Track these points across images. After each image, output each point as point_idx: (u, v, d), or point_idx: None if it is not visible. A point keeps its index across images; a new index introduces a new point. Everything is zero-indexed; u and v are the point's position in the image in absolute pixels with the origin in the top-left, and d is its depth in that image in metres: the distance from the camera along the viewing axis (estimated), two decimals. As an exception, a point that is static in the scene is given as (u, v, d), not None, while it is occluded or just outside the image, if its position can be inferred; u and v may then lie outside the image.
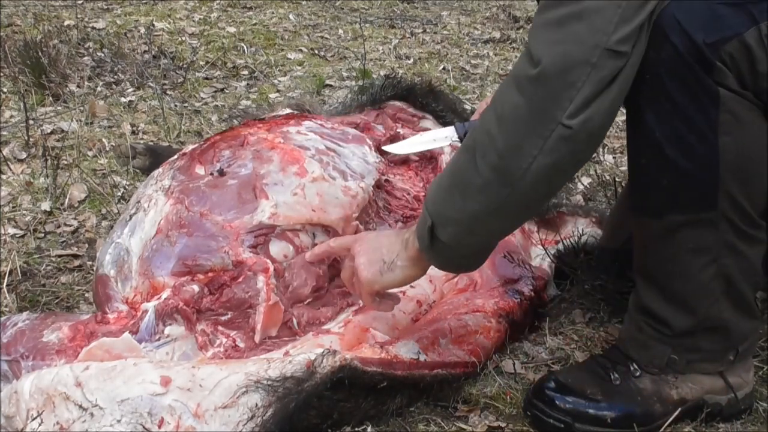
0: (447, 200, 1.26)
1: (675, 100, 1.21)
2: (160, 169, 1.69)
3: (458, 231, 1.27)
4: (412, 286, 1.62)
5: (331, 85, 3.15)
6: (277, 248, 1.52)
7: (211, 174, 1.61)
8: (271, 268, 1.47)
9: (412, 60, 3.54)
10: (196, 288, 1.43)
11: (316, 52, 3.61)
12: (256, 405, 1.21)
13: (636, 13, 1.16)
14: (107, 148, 2.46)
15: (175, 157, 1.72)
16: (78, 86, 2.95)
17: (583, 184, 2.30)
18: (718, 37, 1.16)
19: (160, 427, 1.18)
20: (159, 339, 1.39)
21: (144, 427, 1.18)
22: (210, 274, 1.47)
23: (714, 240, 1.26)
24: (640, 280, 1.37)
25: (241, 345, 1.42)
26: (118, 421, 1.18)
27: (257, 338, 1.43)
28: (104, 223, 2.07)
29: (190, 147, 1.76)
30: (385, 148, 1.85)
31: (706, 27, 1.17)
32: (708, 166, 1.22)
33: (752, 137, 1.22)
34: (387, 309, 1.46)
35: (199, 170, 1.64)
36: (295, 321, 1.49)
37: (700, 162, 1.22)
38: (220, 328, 1.43)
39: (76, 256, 1.92)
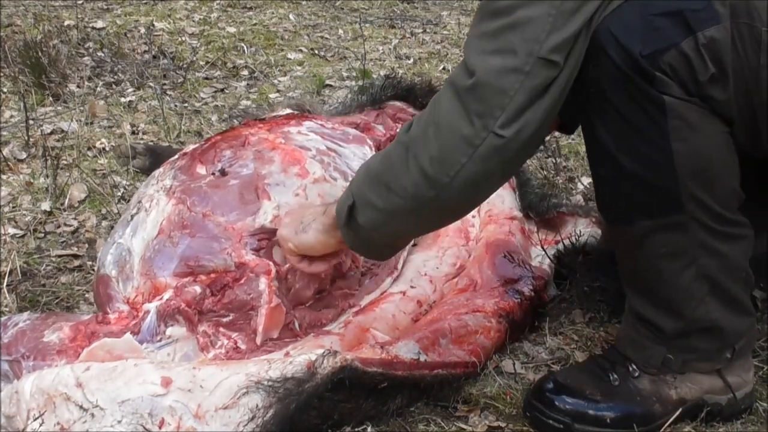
0: (372, 187, 1.29)
1: (622, 113, 1.22)
2: (161, 169, 1.68)
3: (376, 218, 1.30)
4: (412, 286, 1.63)
5: (331, 85, 3.15)
6: (281, 252, 1.52)
7: (213, 174, 1.61)
8: (274, 270, 1.47)
9: (412, 60, 3.54)
10: (198, 289, 1.43)
11: (316, 52, 3.61)
12: (257, 406, 1.21)
13: (567, 23, 1.17)
14: (107, 148, 2.47)
15: (176, 156, 1.72)
16: (78, 86, 2.95)
17: (583, 184, 2.30)
18: (654, 49, 1.17)
19: (160, 427, 1.18)
20: (160, 340, 1.39)
21: (145, 427, 1.18)
22: (212, 275, 1.47)
23: (687, 242, 1.26)
24: (626, 287, 1.39)
25: (243, 347, 1.42)
26: (119, 421, 1.18)
27: (259, 340, 1.43)
28: (104, 223, 2.07)
29: (191, 147, 1.76)
30: None
31: (643, 39, 1.18)
32: (666, 173, 1.22)
33: (706, 140, 1.22)
34: (317, 269, 1.48)
35: (201, 170, 1.64)
36: (296, 323, 1.49)
37: (657, 170, 1.23)
38: (221, 329, 1.43)
39: (76, 256, 1.92)
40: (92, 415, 1.19)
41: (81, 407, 1.19)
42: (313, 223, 1.41)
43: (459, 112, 1.19)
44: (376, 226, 1.31)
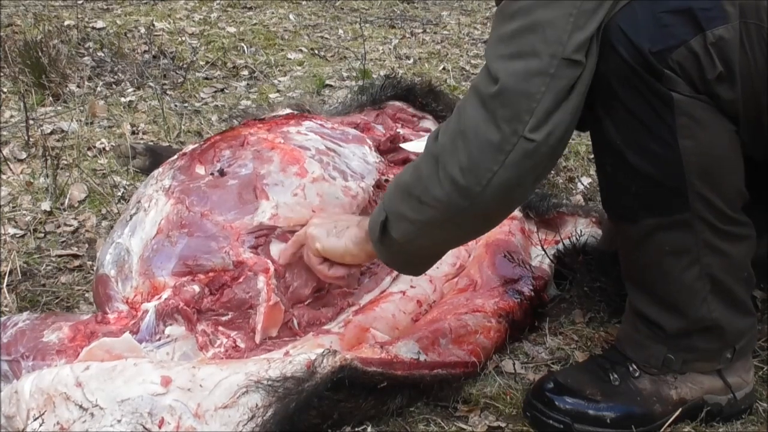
0: (405, 200, 1.28)
1: (630, 109, 1.22)
2: (160, 169, 1.69)
3: (410, 230, 1.28)
4: (412, 286, 1.63)
5: (331, 85, 3.15)
6: (278, 249, 1.52)
7: (212, 174, 1.62)
8: (272, 269, 1.47)
9: (412, 60, 3.53)
10: (196, 288, 1.43)
11: (316, 52, 3.61)
12: (257, 405, 1.21)
13: (588, 22, 1.17)
14: (107, 148, 2.46)
15: (175, 157, 1.72)
16: (78, 86, 2.95)
17: (583, 184, 2.30)
18: (663, 46, 1.17)
19: (160, 427, 1.18)
20: (159, 339, 1.39)
21: (144, 427, 1.18)
22: (211, 274, 1.47)
23: (692, 241, 1.26)
24: (628, 285, 1.38)
25: (242, 345, 1.42)
26: (119, 421, 1.18)
27: (258, 338, 1.43)
28: (104, 223, 2.07)
29: (190, 147, 1.76)
30: (403, 146, 1.87)
31: (652, 36, 1.18)
32: (673, 170, 1.22)
33: (714, 138, 1.22)
34: (337, 274, 1.46)
35: (200, 170, 1.64)
36: (295, 321, 1.49)
37: (664, 167, 1.22)
38: (220, 328, 1.43)
39: (76, 256, 1.92)
40: (92, 414, 1.18)
41: (81, 407, 1.19)
42: (346, 231, 1.40)
43: (486, 119, 1.18)
44: (411, 239, 1.30)
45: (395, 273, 1.64)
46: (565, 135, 1.21)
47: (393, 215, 1.29)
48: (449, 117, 1.27)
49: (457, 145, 1.21)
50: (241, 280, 1.46)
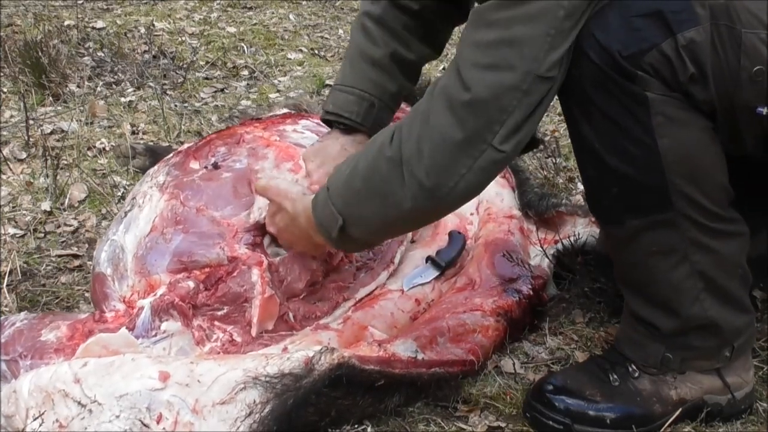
0: (363, 204, 1.29)
1: (606, 112, 1.22)
2: (156, 167, 1.68)
3: (372, 229, 1.33)
4: (410, 285, 1.62)
5: (331, 85, 3.15)
6: (270, 240, 1.52)
7: (206, 167, 1.61)
8: (265, 262, 1.47)
9: (412, 60, 3.53)
10: (191, 284, 1.43)
11: (316, 52, 3.61)
12: (254, 401, 1.21)
13: (564, 40, 1.18)
14: (107, 148, 2.46)
15: (170, 155, 1.72)
16: (78, 86, 2.95)
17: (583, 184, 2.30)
18: (635, 50, 1.17)
19: (158, 422, 1.18)
20: (156, 335, 1.38)
21: (142, 422, 1.18)
22: (206, 270, 1.46)
23: (678, 239, 1.26)
24: (622, 286, 1.39)
25: (238, 339, 1.42)
26: (117, 416, 1.18)
27: (254, 332, 1.43)
28: (104, 223, 2.07)
29: (186, 145, 1.76)
30: None
31: (624, 40, 1.18)
32: (653, 170, 1.22)
33: (691, 135, 1.22)
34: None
35: (194, 165, 1.63)
36: (290, 314, 1.49)
37: (644, 167, 1.23)
38: (216, 323, 1.42)
39: (76, 256, 1.92)
40: (90, 410, 1.18)
41: (79, 403, 1.19)
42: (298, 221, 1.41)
43: (455, 125, 1.19)
44: (373, 235, 1.35)
45: (392, 268, 1.64)
46: (528, 140, 1.24)
47: (352, 219, 1.30)
48: (405, 119, 1.26)
49: (423, 150, 1.21)
50: (235, 274, 1.45)
